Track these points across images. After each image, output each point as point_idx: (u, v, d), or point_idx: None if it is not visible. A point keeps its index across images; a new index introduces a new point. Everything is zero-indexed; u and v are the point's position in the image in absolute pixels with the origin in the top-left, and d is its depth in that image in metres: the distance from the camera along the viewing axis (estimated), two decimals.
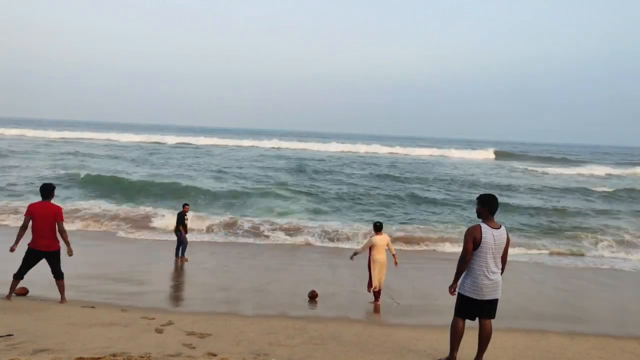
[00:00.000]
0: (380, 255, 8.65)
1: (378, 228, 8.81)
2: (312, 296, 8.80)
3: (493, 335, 5.45)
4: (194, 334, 6.17)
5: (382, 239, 8.71)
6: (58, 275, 7.58)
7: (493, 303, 5.24)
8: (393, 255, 8.83)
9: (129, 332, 6.16)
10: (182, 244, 11.95)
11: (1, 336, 5.66)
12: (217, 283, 9.90)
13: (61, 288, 7.68)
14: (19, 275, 7.52)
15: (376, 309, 8.53)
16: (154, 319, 6.83)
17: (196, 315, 7.22)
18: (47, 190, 7.50)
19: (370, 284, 8.73)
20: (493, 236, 5.10)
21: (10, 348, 5.30)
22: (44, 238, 7.35)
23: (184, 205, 12.58)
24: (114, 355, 5.21)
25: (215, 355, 5.43)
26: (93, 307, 7.43)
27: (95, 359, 5.07)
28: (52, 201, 7.56)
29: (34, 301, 7.62)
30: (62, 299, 7.66)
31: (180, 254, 11.93)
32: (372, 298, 8.82)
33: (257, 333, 6.40)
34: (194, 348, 5.62)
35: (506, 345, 6.38)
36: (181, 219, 12.18)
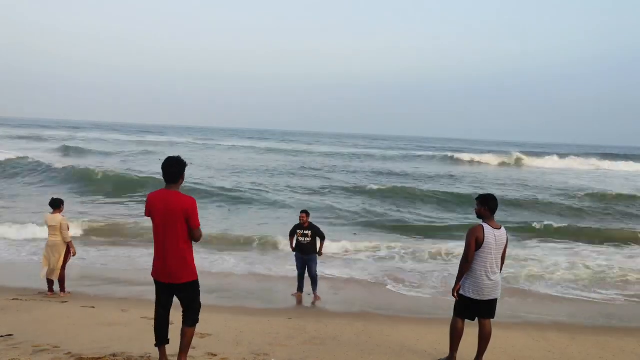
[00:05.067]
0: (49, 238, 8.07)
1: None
2: None
3: (493, 335, 5.46)
4: (194, 334, 6.16)
5: (52, 219, 8.05)
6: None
7: (492, 303, 5.27)
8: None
9: (129, 332, 6.17)
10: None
11: (1, 336, 5.67)
12: None
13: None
14: None
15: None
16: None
17: None
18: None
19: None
20: (494, 236, 5.11)
21: (10, 348, 5.31)
22: None
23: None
24: (114, 355, 5.22)
25: (215, 355, 5.44)
26: (93, 307, 7.43)
27: (95, 359, 5.08)
28: None
29: (34, 301, 7.63)
30: None
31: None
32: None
33: (257, 333, 6.40)
34: (194, 348, 5.61)
35: (506, 345, 6.38)
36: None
